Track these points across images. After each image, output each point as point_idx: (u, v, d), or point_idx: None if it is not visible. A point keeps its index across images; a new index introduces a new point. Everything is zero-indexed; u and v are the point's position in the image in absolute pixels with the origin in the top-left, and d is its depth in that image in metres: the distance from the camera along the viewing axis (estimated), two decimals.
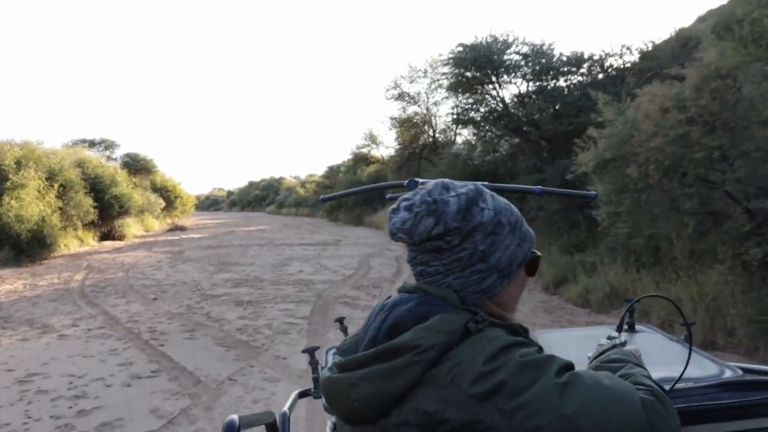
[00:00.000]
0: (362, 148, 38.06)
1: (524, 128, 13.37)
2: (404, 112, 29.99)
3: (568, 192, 2.39)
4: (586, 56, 12.83)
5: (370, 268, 16.54)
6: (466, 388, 1.22)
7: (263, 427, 1.96)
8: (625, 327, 2.55)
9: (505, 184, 2.01)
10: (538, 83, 13.08)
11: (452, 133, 29.83)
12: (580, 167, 8.86)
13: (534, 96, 13.28)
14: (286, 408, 2.15)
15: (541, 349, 1.32)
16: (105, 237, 30.42)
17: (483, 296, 1.39)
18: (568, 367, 1.28)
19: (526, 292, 3.32)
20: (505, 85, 13.57)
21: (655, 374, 1.62)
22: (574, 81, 13.10)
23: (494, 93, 13.62)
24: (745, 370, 2.23)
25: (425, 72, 29.27)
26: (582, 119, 12.47)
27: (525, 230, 1.46)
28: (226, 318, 10.48)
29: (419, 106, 29.71)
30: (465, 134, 18.41)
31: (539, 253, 1.51)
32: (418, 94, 29.60)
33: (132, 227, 33.73)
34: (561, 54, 12.99)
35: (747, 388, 1.87)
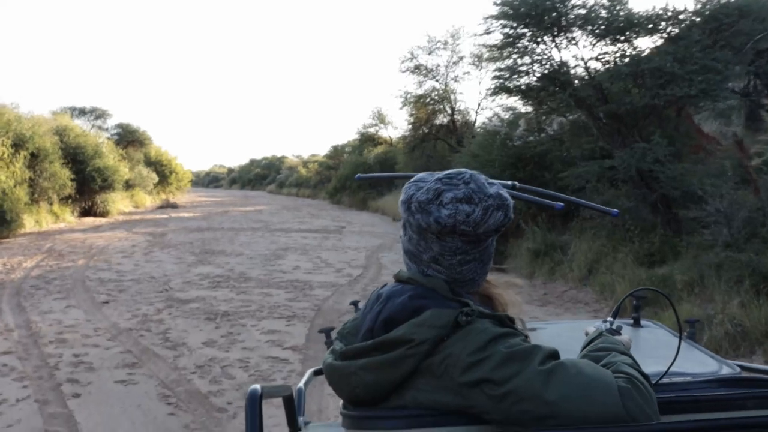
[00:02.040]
0: (369, 127, 35.06)
1: (589, 100, 10.35)
2: (420, 86, 26.91)
3: (590, 205, 2.41)
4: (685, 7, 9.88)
5: (382, 266, 13.61)
6: (457, 377, 1.37)
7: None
8: (631, 322, 2.59)
9: (527, 195, 2.05)
10: (612, 42, 10.06)
11: (474, 112, 26.86)
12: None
13: (605, 59, 10.23)
14: (301, 384, 2.29)
15: (526, 338, 1.46)
16: (86, 213, 27.55)
17: (485, 278, 1.60)
18: (553, 355, 1.41)
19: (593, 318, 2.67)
20: (568, 45, 10.54)
21: (654, 368, 1.78)
22: (659, 40, 10.11)
23: (554, 54, 10.60)
24: (744, 368, 2.28)
25: (445, 43, 26.28)
26: (671, 91, 9.49)
27: None
28: (188, 343, 7.54)
29: (437, 80, 26.64)
30: (500, 109, 15.33)
31: None
32: (437, 67, 26.53)
33: (118, 203, 30.84)
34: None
35: (743, 385, 1.85)
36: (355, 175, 2.92)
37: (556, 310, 9.75)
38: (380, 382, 1.44)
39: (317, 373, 2.42)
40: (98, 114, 39.77)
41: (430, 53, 26.39)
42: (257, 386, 1.63)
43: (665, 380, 1.86)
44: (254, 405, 1.58)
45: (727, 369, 2.12)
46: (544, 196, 2.27)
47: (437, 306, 1.44)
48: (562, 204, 2.17)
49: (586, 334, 1.85)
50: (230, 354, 7.10)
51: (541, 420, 1.34)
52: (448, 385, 1.38)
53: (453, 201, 1.47)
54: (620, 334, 1.87)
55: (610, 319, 2.00)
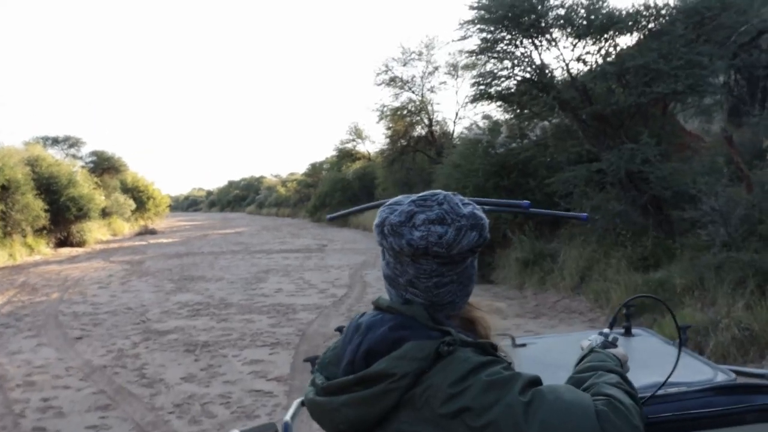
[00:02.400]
0: (347, 143, 34.59)
1: (573, 103, 10.02)
2: (396, 99, 26.55)
3: (557, 213, 2.24)
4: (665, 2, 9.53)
5: (366, 284, 13.20)
6: (437, 409, 1.32)
7: None
8: (622, 331, 2.55)
9: (490, 200, 1.86)
10: (593, 42, 9.73)
11: (452, 122, 26.56)
12: None
13: (588, 59, 9.91)
14: (287, 417, 2.15)
15: (510, 364, 1.41)
16: (62, 243, 26.92)
17: (467, 300, 1.54)
18: (534, 382, 1.36)
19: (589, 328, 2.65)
20: (548, 47, 10.19)
21: (648, 378, 1.89)
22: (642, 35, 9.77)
23: (534, 56, 10.25)
24: (738, 374, 2.27)
25: (420, 54, 25.97)
26: (657, 88, 9.17)
27: None
28: (166, 379, 7.09)
29: (413, 92, 26.29)
30: (479, 117, 14.96)
31: None
32: (413, 78, 26.21)
33: (95, 232, 30.24)
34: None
35: (739, 392, 1.84)
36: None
37: (551, 321, 9.37)
38: (363, 417, 1.41)
39: (304, 404, 2.20)
40: (71, 142, 39.03)
41: (405, 65, 26.09)
42: (235, 431, 1.65)
43: (660, 392, 1.87)
44: None
45: (722, 376, 2.14)
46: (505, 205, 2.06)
47: (418, 337, 1.41)
48: (586, 214, 2.09)
49: (582, 348, 1.81)
50: (210, 389, 6.65)
51: None
52: (429, 417, 1.35)
53: (425, 222, 1.45)
54: (616, 346, 1.78)
55: (606, 330, 1.89)
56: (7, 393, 6.81)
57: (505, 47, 10.44)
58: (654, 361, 2.28)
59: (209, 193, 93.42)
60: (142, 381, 7.07)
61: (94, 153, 39.48)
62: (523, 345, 2.64)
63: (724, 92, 10.00)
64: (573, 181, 10.30)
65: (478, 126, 15.13)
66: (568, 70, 10.32)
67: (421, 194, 1.53)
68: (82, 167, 34.49)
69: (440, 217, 1.44)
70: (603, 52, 9.88)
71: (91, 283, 15.64)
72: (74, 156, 37.96)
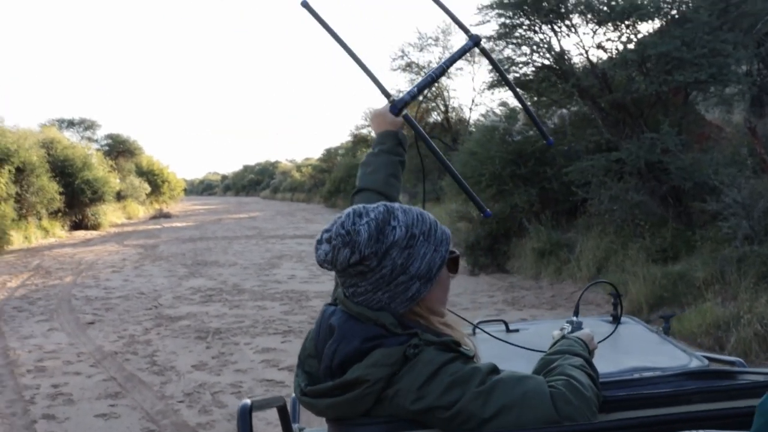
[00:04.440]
0: (362, 128, 34.38)
1: (592, 90, 9.84)
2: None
3: (469, 191, 2.20)
4: None
5: None
6: (409, 406, 1.51)
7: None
8: (610, 319, 2.73)
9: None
10: (614, 29, 9.53)
11: (468, 109, 26.33)
12: None
13: (608, 46, 9.72)
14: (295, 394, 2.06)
15: (473, 357, 1.57)
16: (77, 226, 26.90)
17: (411, 303, 1.60)
18: (493, 371, 1.55)
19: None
20: (568, 34, 10.01)
21: (629, 363, 2.21)
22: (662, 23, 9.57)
23: (553, 43, 10.06)
24: (713, 360, 2.50)
25: (437, 39, 25.68)
26: (679, 77, 8.97)
27: (440, 234, 1.64)
28: (177, 367, 7.02)
29: None
30: (496, 104, 14.76)
31: (457, 252, 1.70)
32: (429, 64, 25.92)
33: (109, 215, 30.19)
34: None
35: (709, 377, 1.95)
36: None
37: (567, 312, 9.18)
38: (346, 415, 1.57)
39: None
40: (87, 125, 39.01)
41: (421, 50, 25.82)
42: (247, 400, 1.77)
43: (636, 375, 2.05)
44: (245, 419, 1.71)
45: (696, 362, 2.30)
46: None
47: (387, 344, 1.54)
48: (490, 212, 2.20)
49: (553, 337, 1.94)
50: (222, 378, 6.58)
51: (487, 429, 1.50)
52: (402, 413, 1.52)
53: (324, 241, 1.58)
54: (582, 329, 1.95)
55: (573, 318, 2.11)
56: (18, 379, 6.76)
57: (523, 33, 10.27)
58: (636, 347, 2.51)
59: (224, 177, 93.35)
60: (152, 368, 7.00)
61: (109, 136, 39.46)
62: (516, 330, 2.82)
63: (747, 82, 9.76)
64: (591, 171, 10.12)
65: (494, 113, 14.96)
66: (587, 57, 10.15)
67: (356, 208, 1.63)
68: (98, 150, 34.47)
69: (328, 236, 1.57)
70: (624, 39, 9.67)
71: (105, 266, 15.62)
72: (89, 139, 37.95)
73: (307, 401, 1.61)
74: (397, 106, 2.10)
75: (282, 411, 2.19)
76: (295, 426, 2.37)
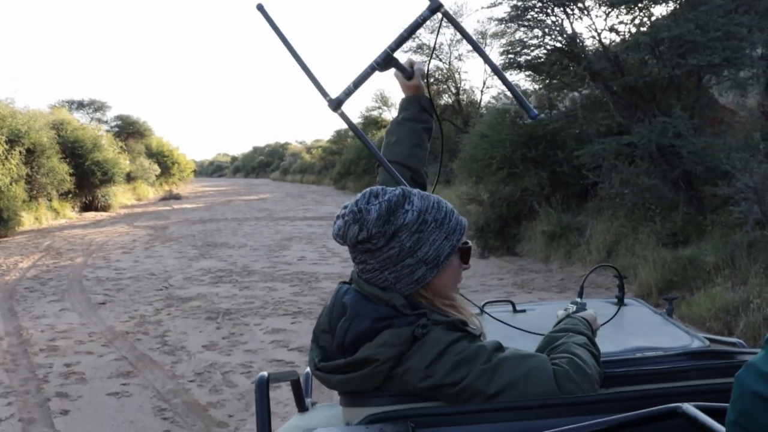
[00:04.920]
0: (372, 110, 34.30)
1: (604, 74, 9.78)
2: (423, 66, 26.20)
3: (387, 167, 2.09)
4: None
5: None
6: (417, 384, 1.57)
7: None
8: (615, 301, 2.79)
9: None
10: (627, 11, 9.46)
11: (479, 92, 26.23)
12: None
13: (621, 29, 9.65)
14: (309, 369, 2.13)
15: (479, 336, 1.65)
16: (87, 208, 26.99)
17: (416, 286, 1.65)
18: (498, 349, 1.62)
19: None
20: (580, 16, 9.95)
21: (632, 343, 2.29)
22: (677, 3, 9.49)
23: (566, 25, 10.00)
24: (714, 341, 2.55)
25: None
26: (692, 60, 8.91)
27: (454, 223, 1.69)
28: (187, 347, 7.06)
29: (441, 60, 25.95)
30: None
31: (469, 243, 1.75)
32: (440, 46, 25.84)
33: (119, 196, 30.27)
34: None
35: (709, 357, 1.97)
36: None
37: (575, 296, 9.22)
38: (358, 390, 1.63)
39: None
40: (97, 106, 38.88)
41: (432, 32, 25.65)
42: (264, 372, 1.84)
43: (638, 355, 2.09)
44: (262, 389, 1.78)
45: (697, 343, 2.35)
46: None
47: (397, 325, 1.59)
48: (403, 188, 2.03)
49: (557, 316, 1.98)
50: (232, 358, 6.62)
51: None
52: (411, 390, 1.58)
53: (338, 216, 1.67)
54: (585, 309, 2.01)
55: (577, 299, 2.20)
56: (31, 357, 6.82)
57: (535, 15, 10.19)
58: (639, 329, 2.55)
59: (234, 158, 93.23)
60: (163, 348, 7.05)
61: (119, 117, 39.35)
62: (523, 311, 2.88)
63: (761, 65, 9.67)
64: (602, 154, 10.08)
65: (506, 96, 14.86)
66: (600, 40, 10.07)
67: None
68: (107, 131, 34.48)
69: (343, 212, 1.65)
70: (637, 21, 9.59)
71: (115, 247, 15.68)
72: (99, 120, 37.87)
73: (320, 376, 1.68)
74: (334, 103, 2.05)
75: (295, 385, 2.28)
76: (307, 400, 2.45)
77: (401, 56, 2.18)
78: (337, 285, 1.79)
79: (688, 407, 1.17)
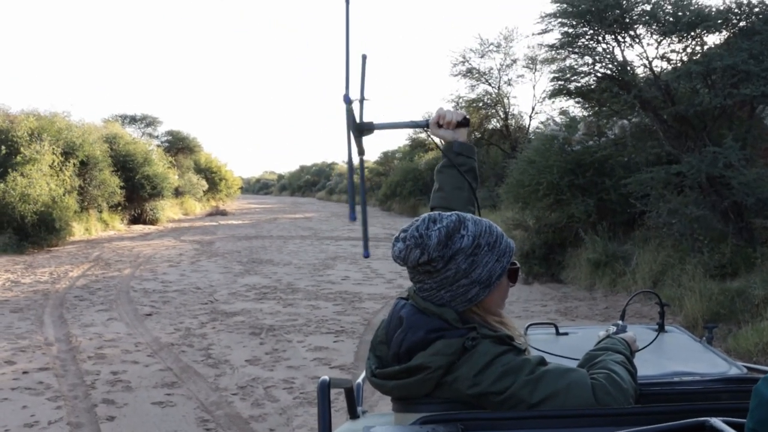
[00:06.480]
0: (420, 133, 34.42)
1: (655, 102, 9.73)
2: (472, 90, 26.24)
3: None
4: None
5: None
6: (465, 390, 1.70)
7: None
8: (656, 327, 2.89)
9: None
10: (679, 40, 9.43)
11: (527, 117, 26.17)
12: None
13: (673, 58, 9.61)
14: (360, 379, 2.69)
15: (524, 351, 1.78)
16: (135, 220, 27.50)
17: (470, 304, 1.80)
18: (541, 363, 1.74)
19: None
20: (631, 44, 9.92)
21: (672, 367, 2.37)
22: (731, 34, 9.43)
23: (616, 53, 9.99)
24: (750, 369, 2.52)
25: (498, 46, 25.65)
26: (745, 90, 8.83)
27: (503, 247, 1.82)
28: (231, 360, 7.16)
29: (490, 84, 25.99)
30: (556, 113, 14.67)
31: (517, 264, 1.88)
32: (490, 70, 25.91)
33: (167, 210, 30.75)
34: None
35: (744, 383, 1.99)
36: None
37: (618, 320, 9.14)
38: (410, 395, 1.76)
39: None
40: (149, 121, 39.66)
41: (482, 56, 25.79)
42: (326, 377, 1.92)
43: (676, 379, 2.21)
44: (324, 392, 1.86)
45: (735, 370, 2.41)
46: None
47: (448, 336, 1.72)
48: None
49: (598, 336, 2.11)
50: (274, 373, 6.69)
51: None
52: (460, 396, 1.71)
53: (397, 239, 1.79)
54: (626, 331, 2.13)
55: (618, 321, 2.32)
56: (80, 364, 6.98)
57: (586, 42, 10.19)
58: (678, 354, 2.62)
59: (280, 177, 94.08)
60: (207, 361, 7.15)
61: (169, 132, 40.06)
62: (566, 334, 2.97)
63: None
64: (650, 183, 9.99)
65: (554, 121, 14.86)
66: (651, 68, 10.03)
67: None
68: (158, 146, 35.09)
69: (404, 236, 1.77)
70: (689, 50, 9.55)
71: (162, 260, 15.94)
72: (150, 135, 38.59)
73: (376, 382, 1.82)
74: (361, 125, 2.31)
75: (349, 393, 2.43)
76: (359, 408, 2.57)
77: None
78: (395, 300, 1.92)
79: (716, 421, 1.22)
